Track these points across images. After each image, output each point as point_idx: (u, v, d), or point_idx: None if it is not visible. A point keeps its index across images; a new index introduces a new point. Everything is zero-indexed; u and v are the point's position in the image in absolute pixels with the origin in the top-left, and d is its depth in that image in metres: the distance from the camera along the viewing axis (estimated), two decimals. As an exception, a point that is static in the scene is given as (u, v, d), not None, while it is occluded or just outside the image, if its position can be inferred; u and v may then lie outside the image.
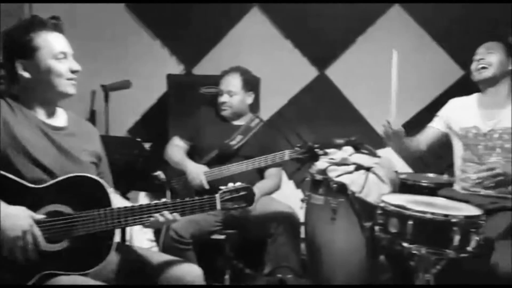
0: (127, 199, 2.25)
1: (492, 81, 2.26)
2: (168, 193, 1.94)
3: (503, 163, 2.06)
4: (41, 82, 1.56)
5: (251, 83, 2.80)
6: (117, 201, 1.61)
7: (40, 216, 1.46)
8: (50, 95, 1.60)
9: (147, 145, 2.99)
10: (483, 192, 2.22)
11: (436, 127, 2.46)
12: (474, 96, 2.39)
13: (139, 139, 2.09)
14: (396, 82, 2.19)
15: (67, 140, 1.60)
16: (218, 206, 1.65)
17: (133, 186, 2.28)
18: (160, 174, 1.93)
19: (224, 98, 2.72)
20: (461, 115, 2.35)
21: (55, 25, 1.59)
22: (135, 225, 1.57)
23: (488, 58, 2.25)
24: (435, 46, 3.30)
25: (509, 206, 2.13)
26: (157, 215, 1.57)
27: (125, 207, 1.55)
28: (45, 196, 1.49)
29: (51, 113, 1.63)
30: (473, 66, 2.31)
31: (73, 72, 1.59)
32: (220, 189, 1.68)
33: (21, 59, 1.55)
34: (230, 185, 1.71)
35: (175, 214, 1.59)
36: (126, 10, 3.45)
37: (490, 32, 3.20)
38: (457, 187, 2.41)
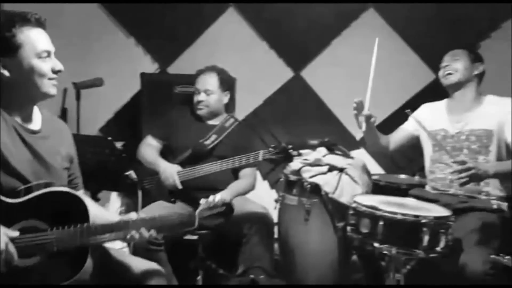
0: (98, 199, 2.20)
1: (458, 86, 2.35)
2: (140, 193, 1.91)
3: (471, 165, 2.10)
4: (22, 82, 1.48)
5: (228, 83, 2.79)
6: (93, 209, 1.56)
7: (15, 233, 1.40)
8: (30, 96, 1.52)
9: (119, 144, 2.94)
10: (452, 191, 2.28)
11: (407, 128, 2.51)
12: (444, 101, 2.47)
13: (110, 138, 2.05)
14: (374, 69, 2.30)
15: (41, 144, 1.55)
16: (196, 224, 1.61)
17: (104, 186, 2.23)
18: (131, 173, 1.90)
19: (201, 97, 2.70)
20: (430, 118, 2.42)
21: (38, 20, 1.50)
22: (112, 241, 1.53)
23: (453, 65, 2.34)
24: (408, 49, 3.37)
25: (478, 206, 2.18)
26: (134, 232, 1.51)
27: (102, 224, 1.49)
28: (21, 211, 1.44)
29: (27, 115, 1.55)
30: (441, 72, 2.41)
31: (55, 72, 1.51)
32: (200, 204, 1.65)
33: (1, 56, 1.45)
34: (211, 198, 1.69)
35: (152, 231, 1.54)
36: (99, 7, 3.39)
37: (461, 37, 3.30)
38: (427, 187, 2.46)
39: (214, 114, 2.75)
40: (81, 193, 1.66)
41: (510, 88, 3.25)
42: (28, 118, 1.55)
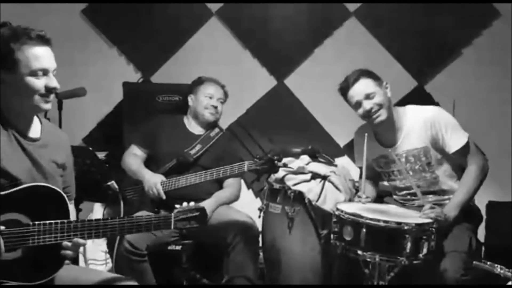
0: (80, 210, 2.18)
1: (387, 119, 2.19)
2: (121, 203, 1.89)
3: (439, 210, 2.03)
4: (16, 95, 1.53)
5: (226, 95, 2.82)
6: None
7: (1, 227, 1.43)
8: (23, 108, 1.57)
9: (102, 154, 2.92)
10: (417, 203, 2.23)
11: (362, 166, 2.28)
12: (367, 125, 2.32)
13: (90, 148, 2.03)
14: (365, 160, 2.19)
15: (39, 152, 1.59)
16: (172, 225, 1.68)
17: (86, 197, 2.21)
18: (113, 183, 1.88)
19: (215, 103, 2.70)
20: (367, 148, 2.27)
21: (41, 37, 1.54)
22: (90, 238, 1.57)
23: (375, 103, 2.16)
24: (389, 57, 3.40)
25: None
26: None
27: (83, 220, 1.54)
28: (4, 204, 1.46)
29: (27, 123, 1.60)
30: (360, 112, 2.21)
31: (49, 90, 1.55)
32: (175, 207, 1.71)
33: (1, 68, 1.50)
34: (185, 204, 1.74)
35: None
36: (82, 16, 3.38)
37: (441, 44, 3.36)
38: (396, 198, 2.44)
39: (216, 123, 2.76)
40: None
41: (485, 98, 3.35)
42: (27, 127, 1.60)
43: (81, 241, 1.52)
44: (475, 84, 3.36)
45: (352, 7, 3.39)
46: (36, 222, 1.46)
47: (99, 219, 1.56)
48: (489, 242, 2.86)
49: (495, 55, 3.34)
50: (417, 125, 2.18)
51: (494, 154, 3.35)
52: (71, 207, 1.68)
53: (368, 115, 2.18)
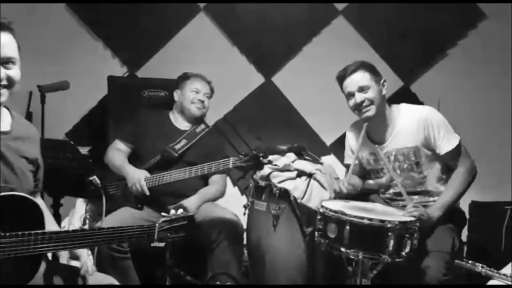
0: (60, 205, 2.14)
1: (376, 116, 2.19)
2: (104, 199, 1.86)
3: (422, 209, 2.04)
4: None
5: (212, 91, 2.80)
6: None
7: None
8: None
9: (86, 149, 2.88)
10: (402, 203, 2.23)
11: (351, 163, 2.31)
12: (360, 122, 2.31)
13: (72, 142, 1.99)
14: (358, 149, 2.20)
15: (9, 146, 1.51)
16: (156, 236, 1.63)
17: (67, 192, 2.17)
18: (95, 178, 1.84)
19: (202, 97, 2.69)
20: (356, 145, 2.29)
21: (2, 24, 1.45)
22: (65, 250, 1.50)
23: (366, 98, 2.16)
24: (376, 57, 3.41)
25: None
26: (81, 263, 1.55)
27: (58, 231, 1.46)
28: None
29: None
30: (351, 103, 2.20)
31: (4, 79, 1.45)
32: (162, 215, 1.67)
33: None
34: (172, 212, 1.70)
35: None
36: (66, 9, 3.32)
37: (427, 44, 3.38)
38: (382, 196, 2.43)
39: (202, 118, 2.74)
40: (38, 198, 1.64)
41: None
42: None
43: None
44: (460, 84, 3.40)
45: (340, 6, 3.40)
46: (7, 233, 1.36)
47: (76, 230, 1.47)
48: (471, 242, 2.89)
49: (480, 55, 3.38)
50: (409, 124, 2.18)
51: (478, 153, 3.38)
52: (41, 201, 1.65)
53: (357, 108, 2.18)
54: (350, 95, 2.20)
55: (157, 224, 1.63)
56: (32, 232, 1.39)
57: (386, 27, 3.40)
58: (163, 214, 1.68)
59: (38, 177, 1.64)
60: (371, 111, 2.16)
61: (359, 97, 2.16)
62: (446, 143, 2.14)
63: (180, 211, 1.71)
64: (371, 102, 2.16)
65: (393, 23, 3.39)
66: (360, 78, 2.17)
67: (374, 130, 2.26)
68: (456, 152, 2.16)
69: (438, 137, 2.14)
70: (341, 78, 2.23)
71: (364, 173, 2.44)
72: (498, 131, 3.43)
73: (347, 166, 2.38)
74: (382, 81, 2.22)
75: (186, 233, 1.68)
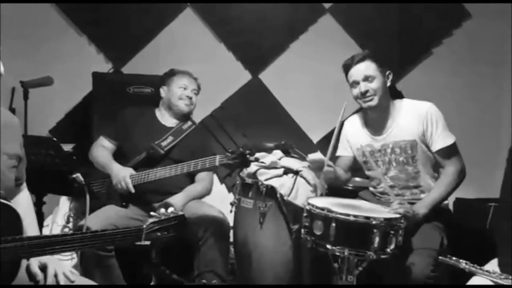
0: (43, 203, 2.11)
1: (378, 106, 2.22)
2: (87, 197, 1.83)
3: (408, 206, 2.05)
4: None
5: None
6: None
7: None
8: None
9: (70, 146, 2.84)
10: (392, 199, 2.22)
11: (344, 154, 2.45)
12: (361, 114, 2.37)
13: (55, 139, 1.95)
14: (338, 128, 2.22)
15: None
16: (143, 238, 1.55)
17: (50, 190, 2.13)
18: (78, 176, 1.81)
19: (190, 94, 2.67)
20: (355, 135, 2.36)
21: None
22: (45, 255, 1.45)
23: (370, 87, 2.19)
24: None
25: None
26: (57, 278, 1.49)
27: (37, 236, 1.42)
28: None
29: None
30: (355, 92, 2.23)
31: None
32: (151, 215, 1.60)
33: None
34: (162, 211, 1.64)
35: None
36: (51, 5, 3.27)
37: (414, 42, 3.41)
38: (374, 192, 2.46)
39: (189, 115, 2.73)
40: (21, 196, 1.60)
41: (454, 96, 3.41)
42: None
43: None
44: (445, 82, 3.44)
45: (327, 4, 3.41)
46: None
47: (57, 235, 1.42)
48: (455, 238, 2.92)
49: (465, 54, 3.42)
50: (410, 118, 2.21)
51: (462, 150, 3.43)
52: (26, 193, 1.61)
53: (361, 97, 2.21)
54: (355, 84, 2.23)
55: (144, 226, 1.56)
56: (9, 238, 1.34)
57: (372, 25, 3.42)
58: (152, 213, 1.62)
59: (19, 171, 1.60)
60: (373, 101, 2.20)
61: (363, 86, 2.20)
62: (442, 140, 2.17)
63: (171, 209, 1.66)
64: (375, 92, 2.19)
65: (379, 21, 3.40)
66: (366, 67, 2.20)
67: (375, 121, 2.29)
68: (449, 151, 2.19)
69: (435, 132, 2.17)
70: (347, 66, 2.26)
71: (353, 166, 2.45)
72: (483, 129, 3.48)
73: (337, 157, 2.42)
74: (387, 73, 2.25)
75: (176, 233, 1.62)
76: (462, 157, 2.23)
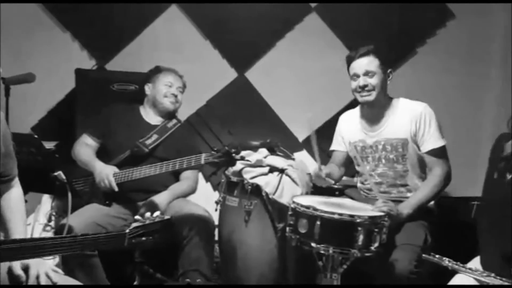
0: (25, 201, 2.06)
1: (375, 101, 2.24)
2: (69, 195, 1.80)
3: (392, 205, 2.08)
4: None
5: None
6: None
7: None
8: None
9: (52, 144, 2.79)
10: (379, 197, 2.28)
11: (339, 149, 2.46)
12: (357, 109, 2.41)
13: (36, 136, 1.92)
14: (315, 140, 2.19)
15: None
16: (125, 243, 1.51)
17: (32, 188, 2.09)
18: (60, 174, 1.78)
19: (175, 91, 2.65)
20: (348, 130, 2.39)
21: None
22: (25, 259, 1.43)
23: (370, 82, 2.21)
24: (347, 53, 3.43)
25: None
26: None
27: (14, 240, 1.40)
28: None
29: None
30: (353, 85, 2.25)
31: None
32: (136, 219, 1.57)
33: None
34: (148, 215, 1.60)
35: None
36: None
37: (400, 40, 3.43)
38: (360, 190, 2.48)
39: (174, 113, 2.70)
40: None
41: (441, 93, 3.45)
42: None
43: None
44: (428, 81, 3.46)
45: (313, 3, 3.41)
46: None
47: (37, 238, 1.43)
48: (438, 236, 2.94)
49: (449, 53, 3.45)
50: (404, 117, 2.23)
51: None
52: (17, 190, 1.59)
53: (359, 90, 2.23)
54: (355, 76, 2.25)
55: (128, 230, 1.52)
56: None
57: (358, 24, 3.42)
58: (137, 217, 1.58)
59: (6, 164, 1.57)
60: (371, 96, 2.22)
61: (363, 80, 2.21)
62: (433, 141, 2.19)
63: (156, 213, 1.62)
64: (373, 87, 2.21)
65: (364, 20, 3.41)
66: (368, 62, 2.22)
67: (370, 117, 2.31)
68: (438, 153, 2.20)
69: (427, 133, 2.19)
70: (350, 58, 2.28)
71: (347, 162, 2.46)
72: (465, 128, 3.51)
73: (330, 153, 2.43)
74: (389, 71, 2.27)
75: (161, 238, 1.58)
76: (449, 162, 2.24)
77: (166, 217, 1.63)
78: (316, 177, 2.24)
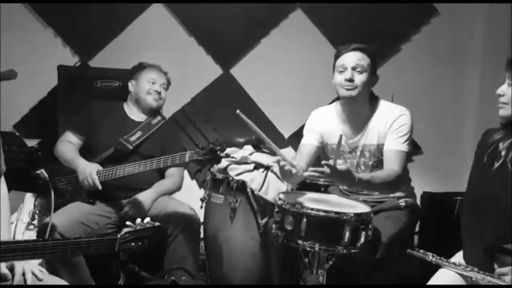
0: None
1: (354, 100, 2.18)
2: (52, 194, 1.77)
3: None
4: None
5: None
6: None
7: None
8: None
9: (35, 142, 2.75)
10: (361, 198, 2.27)
11: (312, 143, 2.30)
12: (334, 109, 2.30)
13: (17, 134, 1.88)
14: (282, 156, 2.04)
15: None
16: (116, 248, 1.52)
17: (14, 186, 2.05)
18: (42, 172, 1.75)
19: (158, 88, 2.63)
20: (328, 131, 2.28)
21: None
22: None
23: (356, 79, 2.15)
24: (332, 50, 3.44)
25: (386, 207, 2.21)
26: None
27: (8, 242, 1.37)
28: None
29: None
30: (338, 78, 2.18)
31: None
32: (127, 225, 1.57)
33: None
34: (138, 221, 1.60)
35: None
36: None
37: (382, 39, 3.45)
38: (341, 188, 2.41)
39: (158, 109, 2.68)
40: None
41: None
42: None
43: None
44: (413, 79, 3.49)
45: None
46: None
47: (27, 240, 1.38)
48: (422, 231, 2.98)
49: (433, 51, 3.49)
50: (381, 122, 2.19)
51: (428, 146, 3.51)
52: (3, 188, 1.58)
53: (344, 83, 2.14)
54: (342, 69, 2.17)
55: (119, 235, 1.52)
56: None
57: (342, 21, 3.43)
58: (128, 223, 1.58)
59: None
60: (354, 91, 2.14)
61: (350, 73, 2.14)
62: (397, 142, 2.15)
63: (147, 220, 1.62)
64: (358, 85, 2.14)
65: (350, 18, 3.42)
66: (360, 58, 2.16)
67: (350, 122, 2.24)
68: (395, 156, 2.14)
69: (395, 133, 2.15)
70: (340, 51, 2.20)
71: (315, 157, 2.32)
72: (448, 125, 3.56)
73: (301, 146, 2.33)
74: (375, 76, 2.22)
75: (151, 245, 1.59)
76: (402, 175, 2.16)
77: (157, 224, 1.64)
78: (286, 173, 2.03)
